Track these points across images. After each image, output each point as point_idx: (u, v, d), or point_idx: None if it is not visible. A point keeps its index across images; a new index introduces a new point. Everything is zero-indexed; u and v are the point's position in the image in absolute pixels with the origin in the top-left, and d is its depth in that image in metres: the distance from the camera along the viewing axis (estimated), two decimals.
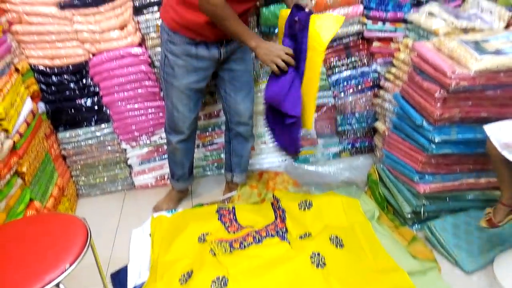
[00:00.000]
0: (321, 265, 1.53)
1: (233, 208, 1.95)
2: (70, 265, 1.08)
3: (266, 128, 2.40)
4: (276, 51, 1.58)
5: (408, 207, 1.85)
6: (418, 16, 1.96)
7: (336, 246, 1.62)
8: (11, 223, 1.38)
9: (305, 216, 1.83)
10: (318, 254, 1.56)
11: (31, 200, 1.76)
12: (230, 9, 1.53)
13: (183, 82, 1.80)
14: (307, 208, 1.86)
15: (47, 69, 2.03)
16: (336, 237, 1.66)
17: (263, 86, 2.26)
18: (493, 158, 1.46)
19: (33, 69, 2.03)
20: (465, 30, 1.83)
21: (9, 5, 1.84)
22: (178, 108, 1.88)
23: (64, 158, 2.31)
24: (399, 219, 1.92)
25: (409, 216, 1.85)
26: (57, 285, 1.05)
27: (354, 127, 2.43)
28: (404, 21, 2.09)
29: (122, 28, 1.97)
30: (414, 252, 1.69)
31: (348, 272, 1.50)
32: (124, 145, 2.29)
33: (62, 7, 1.87)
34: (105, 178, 2.38)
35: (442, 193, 1.82)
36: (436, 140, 1.67)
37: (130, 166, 2.39)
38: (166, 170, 2.32)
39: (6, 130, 1.65)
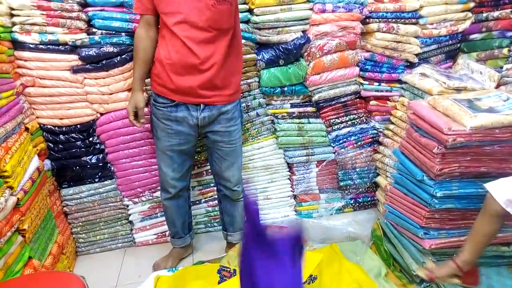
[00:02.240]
0: None
1: (234, 270, 1.90)
2: None
3: (268, 183, 2.41)
4: (132, 103, 1.82)
5: (415, 264, 1.80)
6: (412, 77, 2.06)
7: None
8: (8, 282, 1.35)
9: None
10: None
11: (29, 258, 1.73)
12: (138, 44, 1.74)
13: (165, 144, 1.86)
14: (312, 282, 1.79)
15: (56, 128, 2.08)
16: None
17: (262, 142, 2.31)
18: (489, 214, 1.41)
19: (42, 128, 2.08)
20: (458, 90, 1.91)
21: (25, 70, 1.94)
22: (161, 168, 1.93)
23: (66, 215, 2.29)
24: (407, 276, 1.86)
25: (416, 274, 1.79)
26: None
27: (355, 182, 2.44)
28: (399, 81, 2.19)
29: (130, 89, 2.07)
30: None
31: None
32: (126, 201, 2.29)
33: (75, 71, 1.98)
34: (106, 235, 2.35)
35: (449, 248, 1.79)
36: (438, 195, 1.68)
37: (131, 223, 2.37)
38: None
39: (11, 187, 1.66)
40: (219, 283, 1.81)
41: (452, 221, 1.77)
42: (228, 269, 1.90)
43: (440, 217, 1.76)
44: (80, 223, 2.30)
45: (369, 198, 2.50)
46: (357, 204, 2.50)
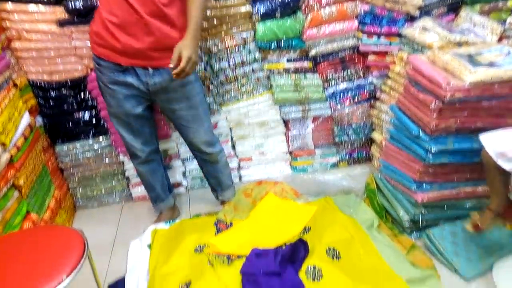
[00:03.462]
0: (317, 278, 1.51)
1: (231, 223, 1.94)
2: (67, 276, 1.07)
3: (263, 139, 2.41)
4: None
5: (406, 215, 1.85)
6: (412, 30, 2.00)
7: (333, 258, 1.62)
8: (8, 236, 1.37)
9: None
10: (314, 267, 1.55)
11: (28, 212, 1.75)
12: None
13: (117, 110, 1.75)
14: (306, 233, 1.83)
15: (46, 84, 2.04)
16: (333, 249, 1.66)
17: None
18: (487, 166, 1.48)
19: (32, 84, 2.04)
20: (459, 44, 1.86)
21: (9, 22, 1.86)
22: (122, 134, 1.84)
23: (62, 171, 2.30)
24: (398, 227, 1.92)
25: (407, 224, 1.85)
26: None
27: (351, 137, 2.45)
28: (399, 35, 2.13)
29: None
30: (413, 260, 1.69)
31: (346, 283, 1.49)
32: (121, 157, 2.29)
33: (62, 24, 1.89)
34: (103, 190, 2.37)
35: (440, 201, 1.83)
36: (433, 150, 1.69)
37: (127, 178, 2.38)
38: None
39: (3, 144, 1.65)
40: (215, 235, 1.85)
41: (445, 175, 1.80)
42: (224, 222, 1.95)
43: (434, 172, 1.79)
44: (77, 179, 2.32)
45: (363, 154, 2.52)
46: (351, 159, 2.53)
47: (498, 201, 1.58)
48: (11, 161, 1.70)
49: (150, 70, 1.63)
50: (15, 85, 1.90)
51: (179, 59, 1.46)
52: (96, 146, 2.24)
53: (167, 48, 1.54)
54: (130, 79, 1.65)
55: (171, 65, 1.45)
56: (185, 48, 1.48)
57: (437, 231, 1.78)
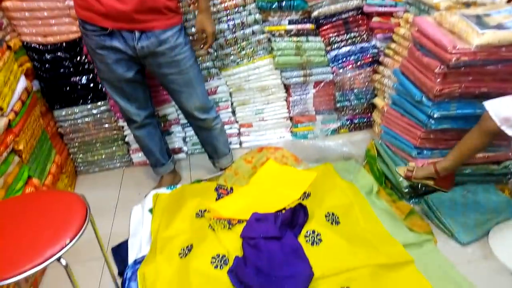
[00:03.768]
0: (316, 242, 1.54)
1: (231, 188, 1.96)
2: (71, 240, 1.09)
3: (264, 105, 2.39)
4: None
5: (405, 182, 1.86)
6: None
7: (332, 223, 1.64)
8: (10, 200, 1.38)
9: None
10: (313, 232, 1.57)
11: (29, 177, 1.76)
12: None
13: (108, 75, 1.71)
14: (306, 198, 1.85)
15: (40, 46, 1.99)
16: (332, 214, 1.68)
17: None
18: (483, 131, 1.47)
19: (26, 46, 1.99)
20: (467, 4, 1.80)
21: None
22: (116, 100, 1.81)
23: (61, 136, 2.29)
24: (397, 193, 1.94)
25: (406, 190, 1.87)
26: (58, 259, 1.06)
27: (352, 103, 2.42)
28: None
29: None
30: (411, 225, 1.72)
31: (344, 247, 1.52)
32: (121, 123, 2.28)
33: None
34: (103, 156, 2.38)
35: None
36: (435, 116, 1.67)
37: (127, 144, 2.38)
38: None
39: (1, 108, 1.63)
40: (216, 200, 1.87)
41: (446, 141, 1.79)
42: (225, 187, 1.96)
43: (435, 138, 1.78)
44: (77, 144, 2.32)
45: (365, 119, 2.50)
46: (352, 125, 2.51)
47: (453, 164, 1.61)
48: (9, 126, 1.69)
49: (137, 33, 1.58)
50: (9, 47, 1.85)
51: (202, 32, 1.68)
52: (94, 111, 2.22)
53: (153, 10, 1.48)
54: (117, 43, 1.60)
55: (200, 46, 1.71)
56: (206, 24, 1.70)
57: (436, 197, 1.79)
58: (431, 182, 1.71)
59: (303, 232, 1.58)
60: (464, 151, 1.57)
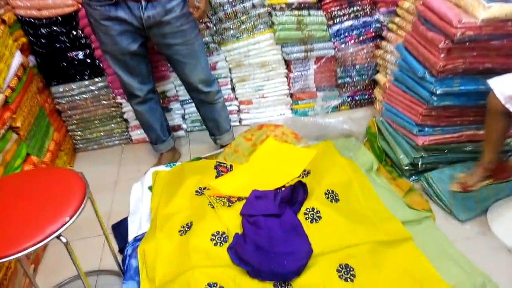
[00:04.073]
0: (315, 219, 1.55)
1: (231, 166, 1.95)
2: (70, 218, 1.09)
3: (264, 81, 2.35)
4: None
5: (406, 159, 1.85)
6: None
7: (331, 200, 1.64)
8: (9, 177, 1.37)
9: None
10: (313, 209, 1.58)
11: (28, 155, 1.76)
12: None
13: (112, 48, 1.68)
14: (305, 175, 1.84)
15: (35, 20, 1.95)
16: (332, 191, 1.67)
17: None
18: (492, 111, 1.44)
19: (21, 20, 1.95)
20: None
21: None
22: (118, 74, 1.79)
23: (59, 113, 2.27)
24: (397, 171, 1.93)
25: (406, 168, 1.86)
26: (58, 237, 1.06)
27: (354, 79, 2.38)
28: None
29: None
30: (410, 203, 1.72)
31: (343, 224, 1.52)
32: (119, 99, 2.25)
33: None
34: (102, 133, 2.37)
35: (441, 145, 1.82)
36: (438, 92, 1.65)
37: (126, 121, 2.36)
38: None
39: None
40: (216, 177, 1.87)
41: (448, 118, 1.77)
42: (225, 165, 1.96)
43: (437, 114, 1.76)
44: (75, 121, 2.30)
45: (366, 96, 2.46)
46: (353, 102, 2.48)
47: (492, 155, 1.53)
48: (6, 103, 1.66)
49: (143, 3, 1.56)
50: (3, 21, 1.81)
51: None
52: (92, 88, 2.19)
53: None
54: (122, 13, 1.57)
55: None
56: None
57: (436, 174, 1.79)
58: (491, 180, 1.63)
59: (303, 209, 1.59)
60: (492, 137, 1.52)
